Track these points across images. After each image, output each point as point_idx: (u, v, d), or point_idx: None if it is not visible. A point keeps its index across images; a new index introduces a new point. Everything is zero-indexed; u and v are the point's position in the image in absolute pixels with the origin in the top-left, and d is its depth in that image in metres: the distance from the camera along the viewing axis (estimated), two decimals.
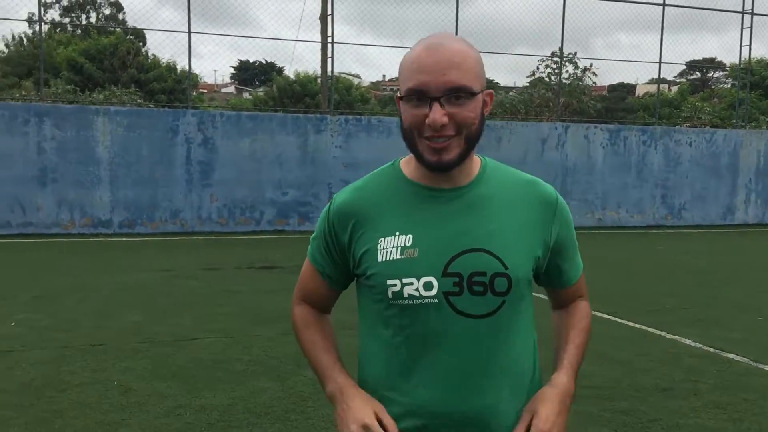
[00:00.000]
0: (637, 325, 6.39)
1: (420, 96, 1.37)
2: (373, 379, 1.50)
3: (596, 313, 6.83)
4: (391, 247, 1.43)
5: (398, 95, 1.44)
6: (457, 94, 1.36)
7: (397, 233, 1.43)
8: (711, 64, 35.97)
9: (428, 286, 1.40)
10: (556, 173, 15.38)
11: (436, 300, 1.41)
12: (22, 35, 28.90)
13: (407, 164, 1.52)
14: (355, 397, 1.44)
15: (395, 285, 1.41)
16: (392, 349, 1.46)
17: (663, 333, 6.13)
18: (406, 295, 1.41)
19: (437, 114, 1.36)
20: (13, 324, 5.93)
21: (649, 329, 6.26)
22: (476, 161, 1.53)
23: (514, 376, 1.48)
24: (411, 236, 1.42)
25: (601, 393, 4.53)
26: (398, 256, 1.41)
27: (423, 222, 1.44)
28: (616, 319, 6.61)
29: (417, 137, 1.40)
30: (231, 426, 3.88)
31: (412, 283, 1.41)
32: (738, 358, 5.41)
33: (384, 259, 1.43)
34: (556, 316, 1.66)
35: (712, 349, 5.63)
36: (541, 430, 1.40)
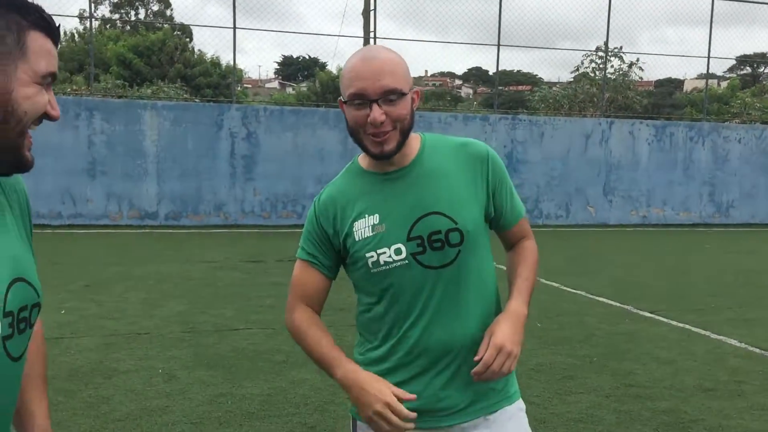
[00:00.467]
0: (681, 325, 6.29)
1: (361, 99, 1.62)
2: (371, 334, 1.80)
3: (639, 312, 6.75)
4: (363, 227, 1.72)
5: (341, 100, 1.68)
6: (391, 96, 1.62)
7: (366, 215, 1.72)
8: (762, 59, 35.01)
9: (398, 251, 1.70)
10: (599, 169, 15.19)
11: (407, 261, 1.70)
12: (74, 31, 29.58)
13: (363, 158, 1.80)
14: (368, 380, 1.63)
15: (372, 256, 1.70)
16: (382, 306, 1.75)
17: (708, 333, 6.02)
18: (382, 262, 1.70)
19: (377, 113, 1.62)
20: (63, 312, 6.11)
21: (694, 329, 6.16)
22: (416, 141, 1.79)
23: (481, 304, 1.77)
24: (377, 215, 1.72)
25: (642, 392, 4.48)
26: (370, 233, 1.71)
27: (383, 201, 1.73)
28: (660, 318, 6.51)
29: (362, 134, 1.66)
30: (270, 415, 3.94)
31: (385, 252, 1.70)
32: None
33: (360, 238, 1.72)
34: (508, 257, 1.92)
35: (758, 350, 5.52)
36: (496, 343, 1.63)
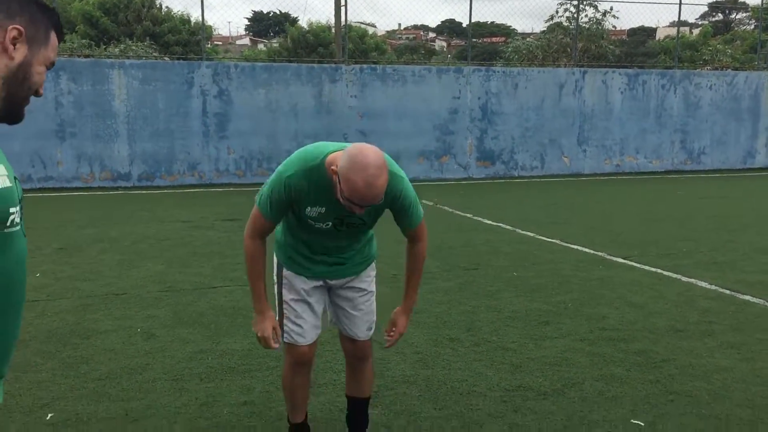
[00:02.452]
0: (653, 269, 6.40)
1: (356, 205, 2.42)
2: (289, 250, 2.85)
3: (612, 258, 6.86)
4: (314, 210, 2.62)
5: (337, 174, 2.38)
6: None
7: (318, 206, 2.60)
8: (733, 5, 35.00)
9: (327, 224, 2.67)
10: (573, 119, 15.23)
11: (330, 226, 2.68)
12: None
13: (329, 166, 2.48)
14: (267, 319, 2.77)
15: (314, 224, 2.67)
16: (302, 238, 2.79)
17: (679, 276, 6.15)
18: (316, 227, 2.68)
19: (362, 212, 2.47)
20: (38, 275, 6.07)
21: (665, 273, 6.28)
22: None
23: (360, 247, 2.88)
24: (324, 208, 2.61)
25: (614, 335, 4.58)
26: (316, 215, 2.64)
27: (329, 203, 2.56)
28: (632, 264, 6.63)
29: (344, 203, 2.43)
30: (251, 369, 3.98)
31: (321, 224, 2.66)
32: (754, 299, 5.43)
33: (308, 215, 2.65)
34: (408, 250, 2.87)
35: (728, 291, 5.65)
36: (400, 332, 2.91)
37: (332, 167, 2.39)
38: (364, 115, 13.80)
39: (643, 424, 3.30)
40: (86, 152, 12.49)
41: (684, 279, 6.06)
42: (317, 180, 2.50)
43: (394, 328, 2.88)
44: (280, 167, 2.60)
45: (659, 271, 6.35)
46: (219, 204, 10.71)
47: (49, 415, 3.36)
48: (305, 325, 2.86)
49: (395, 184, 2.57)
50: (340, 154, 2.43)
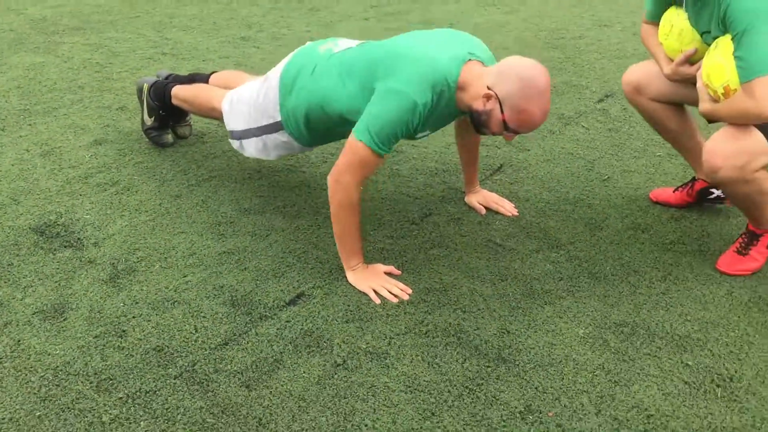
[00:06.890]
0: None
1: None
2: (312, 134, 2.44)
3: None
4: (422, 134, 2.16)
5: (500, 111, 1.96)
6: None
7: (427, 130, 2.15)
8: None
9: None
10: None
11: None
12: None
13: (462, 101, 2.06)
14: (376, 267, 2.18)
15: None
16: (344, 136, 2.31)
17: None
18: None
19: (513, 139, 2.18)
20: None
21: None
22: None
23: None
24: (429, 130, 2.18)
25: None
26: (420, 137, 2.19)
27: (437, 125, 2.19)
28: None
29: (491, 132, 2.07)
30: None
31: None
32: None
33: (417, 136, 2.16)
34: (464, 138, 2.58)
35: None
36: (499, 201, 2.61)
37: (486, 96, 1.96)
38: None
39: None
40: None
41: None
42: (444, 107, 2.06)
43: (497, 205, 2.60)
44: (400, 87, 1.96)
45: None
46: None
47: None
48: None
49: None
50: (473, 70, 2.01)
